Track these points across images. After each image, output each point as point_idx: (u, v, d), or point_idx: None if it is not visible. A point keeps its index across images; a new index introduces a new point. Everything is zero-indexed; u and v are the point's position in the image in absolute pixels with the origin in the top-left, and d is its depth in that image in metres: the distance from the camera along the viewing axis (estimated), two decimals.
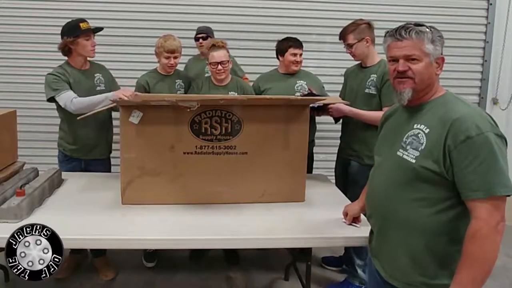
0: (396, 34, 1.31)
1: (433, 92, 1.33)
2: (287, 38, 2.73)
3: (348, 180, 2.53)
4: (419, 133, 1.28)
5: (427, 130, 1.27)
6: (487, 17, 3.78)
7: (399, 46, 1.31)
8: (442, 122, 1.23)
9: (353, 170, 2.49)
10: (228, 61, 2.55)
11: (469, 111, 1.22)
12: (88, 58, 2.52)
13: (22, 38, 3.50)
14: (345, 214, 1.80)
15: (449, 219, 1.24)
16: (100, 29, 2.50)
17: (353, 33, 2.39)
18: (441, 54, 1.32)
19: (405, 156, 1.30)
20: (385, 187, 1.37)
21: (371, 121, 2.30)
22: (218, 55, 2.53)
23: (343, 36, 2.46)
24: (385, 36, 1.38)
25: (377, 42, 2.41)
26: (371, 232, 1.53)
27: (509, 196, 1.17)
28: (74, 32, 2.35)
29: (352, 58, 2.51)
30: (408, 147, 1.29)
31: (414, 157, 1.27)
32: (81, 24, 2.37)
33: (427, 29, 1.29)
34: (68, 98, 2.32)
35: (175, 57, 2.62)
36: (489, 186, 1.16)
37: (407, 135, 1.31)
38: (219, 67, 2.53)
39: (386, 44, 1.36)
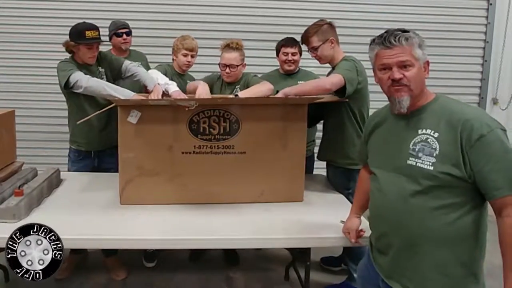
0: (385, 41, 1.27)
1: (426, 96, 1.32)
2: (283, 38, 2.72)
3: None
4: (427, 138, 1.25)
5: (436, 134, 1.24)
6: (487, 17, 3.79)
7: (389, 54, 1.28)
8: (450, 125, 1.22)
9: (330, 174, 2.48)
10: (238, 65, 2.40)
11: (474, 111, 1.24)
12: None
13: (22, 38, 3.51)
14: (348, 233, 1.63)
15: (469, 224, 1.22)
16: (105, 40, 2.43)
17: (317, 34, 2.22)
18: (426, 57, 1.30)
19: (419, 164, 1.25)
20: (400, 201, 1.29)
21: (315, 90, 2.11)
22: (228, 57, 2.40)
23: (305, 40, 2.27)
24: (371, 44, 1.34)
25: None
26: (378, 251, 1.42)
27: None
28: (78, 39, 2.28)
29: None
30: (420, 154, 1.25)
31: (430, 163, 1.23)
32: (87, 32, 2.27)
33: (414, 34, 1.28)
34: (83, 75, 2.23)
35: (192, 56, 2.64)
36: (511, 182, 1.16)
37: (413, 142, 1.28)
38: (227, 70, 2.40)
39: (374, 52, 1.32)
